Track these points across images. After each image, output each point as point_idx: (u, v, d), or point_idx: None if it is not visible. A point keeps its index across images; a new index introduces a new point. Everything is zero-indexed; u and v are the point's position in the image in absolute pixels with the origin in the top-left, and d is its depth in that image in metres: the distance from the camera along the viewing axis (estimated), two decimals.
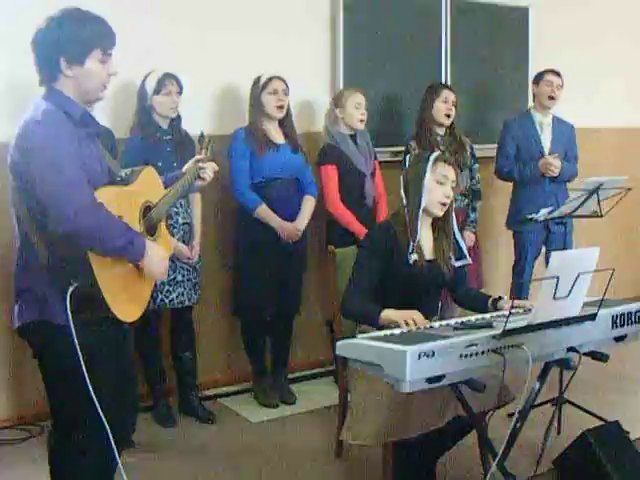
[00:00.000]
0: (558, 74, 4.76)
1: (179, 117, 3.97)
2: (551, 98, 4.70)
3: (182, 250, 3.88)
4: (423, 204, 3.06)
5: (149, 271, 2.39)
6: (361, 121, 4.32)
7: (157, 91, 3.85)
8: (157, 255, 2.39)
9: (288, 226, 4.12)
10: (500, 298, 3.08)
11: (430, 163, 3.09)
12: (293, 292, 4.29)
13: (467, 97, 5.16)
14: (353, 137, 4.35)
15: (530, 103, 4.98)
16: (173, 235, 3.84)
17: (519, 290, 4.57)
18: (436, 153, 3.17)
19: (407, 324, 2.76)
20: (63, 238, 2.19)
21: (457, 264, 3.18)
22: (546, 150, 4.72)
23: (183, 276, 3.93)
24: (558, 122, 4.83)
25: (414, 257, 3.03)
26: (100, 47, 2.33)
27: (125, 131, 3.97)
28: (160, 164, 3.67)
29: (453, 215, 3.18)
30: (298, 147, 4.21)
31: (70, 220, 2.16)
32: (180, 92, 3.90)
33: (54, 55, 2.29)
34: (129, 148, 3.84)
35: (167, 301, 3.88)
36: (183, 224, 3.94)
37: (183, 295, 3.93)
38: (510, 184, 4.91)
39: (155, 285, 3.72)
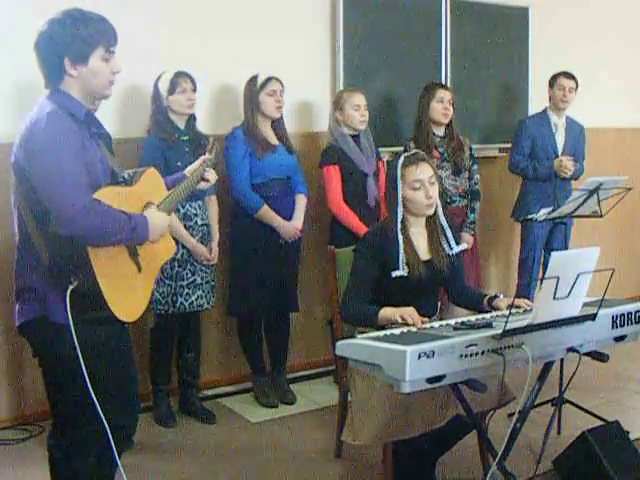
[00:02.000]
0: (571, 76, 4.88)
1: (194, 117, 3.97)
2: (563, 101, 4.86)
3: (201, 251, 3.88)
4: (399, 217, 3.03)
5: (156, 240, 2.44)
6: (361, 122, 4.29)
7: (172, 91, 3.84)
8: (157, 224, 2.41)
9: (289, 226, 4.13)
10: (496, 296, 3.06)
11: (399, 172, 3.03)
12: (289, 291, 4.27)
13: (467, 97, 5.15)
14: (356, 137, 4.33)
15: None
16: (193, 236, 3.86)
17: (527, 288, 4.57)
18: (401, 159, 3.07)
19: (403, 319, 2.74)
20: (67, 238, 2.20)
21: (452, 252, 3.13)
22: (559, 150, 4.87)
23: (202, 278, 3.93)
24: (571, 123, 4.98)
25: (396, 274, 2.98)
26: (103, 45, 2.33)
27: (124, 132, 3.96)
28: (179, 164, 3.63)
29: (440, 208, 3.12)
30: (292, 147, 4.23)
31: (73, 222, 2.17)
32: (194, 89, 3.89)
33: (58, 56, 2.30)
34: (148, 148, 3.82)
35: (187, 304, 3.88)
36: (202, 225, 3.94)
37: (202, 298, 3.93)
38: (513, 182, 4.94)
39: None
